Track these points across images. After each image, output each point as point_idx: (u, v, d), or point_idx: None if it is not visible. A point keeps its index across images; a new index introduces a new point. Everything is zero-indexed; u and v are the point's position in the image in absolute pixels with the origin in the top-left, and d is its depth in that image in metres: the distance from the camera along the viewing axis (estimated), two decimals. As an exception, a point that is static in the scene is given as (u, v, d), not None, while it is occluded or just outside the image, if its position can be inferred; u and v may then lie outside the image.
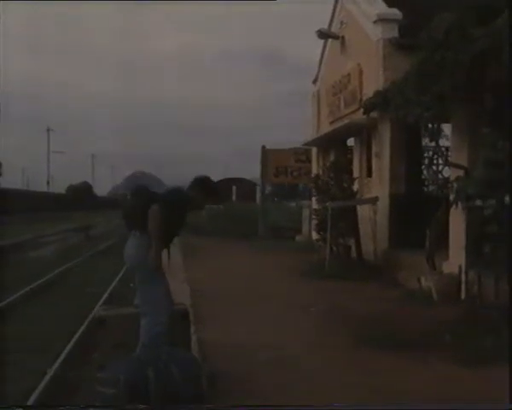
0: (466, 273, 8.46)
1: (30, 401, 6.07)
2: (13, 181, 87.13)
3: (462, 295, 8.59)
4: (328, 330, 8.11)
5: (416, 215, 12.38)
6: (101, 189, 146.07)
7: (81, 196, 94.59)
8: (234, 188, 71.31)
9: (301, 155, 25.55)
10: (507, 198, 6.69)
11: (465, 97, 9.15)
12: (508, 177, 6.93)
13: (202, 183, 6.11)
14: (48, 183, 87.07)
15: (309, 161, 23.84)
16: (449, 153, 11.12)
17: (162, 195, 5.88)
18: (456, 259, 9.41)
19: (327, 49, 19.40)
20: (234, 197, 67.40)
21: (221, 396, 5.35)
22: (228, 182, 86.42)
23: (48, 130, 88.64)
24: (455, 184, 8.14)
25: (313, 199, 16.54)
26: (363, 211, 14.34)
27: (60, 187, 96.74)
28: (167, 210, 5.52)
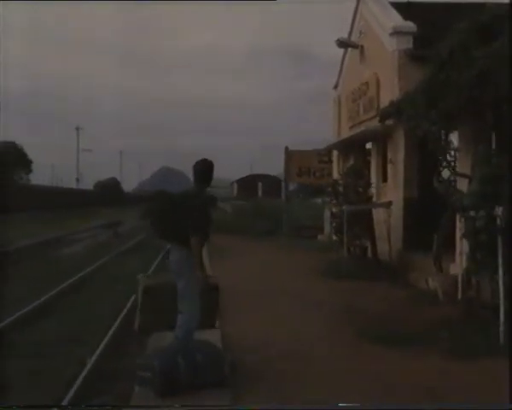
0: (462, 276, 9.22)
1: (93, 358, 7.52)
2: (42, 178, 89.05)
3: (462, 296, 9.31)
4: (337, 327, 8.93)
5: (429, 219, 13.05)
6: (129, 185, 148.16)
7: (109, 192, 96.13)
8: (260, 184, 72.14)
9: (324, 156, 26.10)
10: (497, 210, 7.43)
11: (468, 114, 9.88)
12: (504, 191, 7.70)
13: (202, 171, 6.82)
14: (77, 180, 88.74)
15: (331, 162, 24.51)
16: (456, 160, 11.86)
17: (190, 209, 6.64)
18: (460, 262, 10.14)
19: (347, 56, 20.14)
20: (260, 193, 68.25)
21: (239, 380, 6.23)
22: (254, 178, 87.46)
23: (77, 128, 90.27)
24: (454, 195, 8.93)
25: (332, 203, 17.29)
26: (378, 214, 15.11)
27: (89, 184, 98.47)
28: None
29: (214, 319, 7.34)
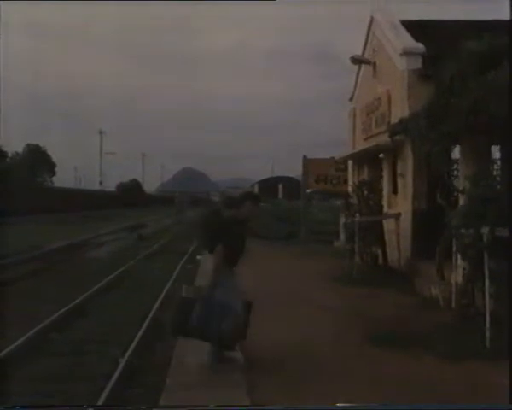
0: (456, 285, 10.17)
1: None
2: (66, 180, 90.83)
3: (458, 304, 10.21)
4: (343, 331, 9.90)
5: (436, 229, 13.91)
6: (151, 186, 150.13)
7: (131, 193, 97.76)
8: (280, 186, 72.98)
9: (341, 164, 26.97)
10: (484, 229, 8.39)
11: (466, 136, 10.84)
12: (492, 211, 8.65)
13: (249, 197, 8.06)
14: (100, 183, 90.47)
15: (347, 169, 25.40)
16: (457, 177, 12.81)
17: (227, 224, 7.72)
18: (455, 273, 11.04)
19: (361, 70, 21.04)
20: (280, 195, 69.14)
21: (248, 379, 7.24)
22: (275, 180, 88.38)
23: (100, 132, 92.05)
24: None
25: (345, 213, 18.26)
26: (389, 224, 16.05)
27: (112, 186, 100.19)
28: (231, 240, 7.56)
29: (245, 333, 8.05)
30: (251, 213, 7.99)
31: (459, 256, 9.79)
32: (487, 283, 8.39)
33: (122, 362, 8.56)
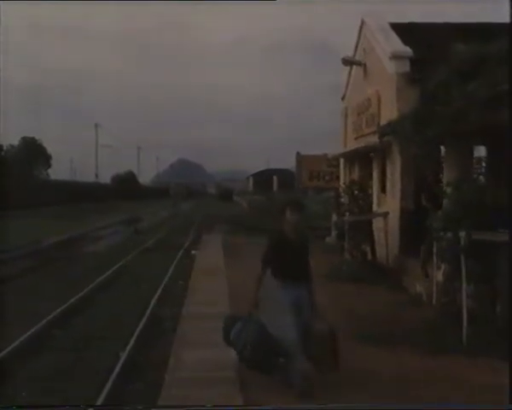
0: (437, 284, 10.75)
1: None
2: (61, 172, 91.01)
3: (439, 301, 10.77)
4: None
5: (423, 228, 14.45)
6: (147, 177, 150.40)
7: (126, 185, 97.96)
8: (275, 178, 73.44)
9: (333, 160, 27.50)
10: (461, 233, 8.95)
11: (449, 142, 11.37)
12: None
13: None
14: (96, 176, 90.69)
15: (339, 166, 25.92)
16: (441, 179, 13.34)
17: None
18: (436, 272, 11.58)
19: (353, 70, 21.51)
20: (275, 187, 69.59)
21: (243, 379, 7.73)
22: (270, 172, 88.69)
23: (96, 125, 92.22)
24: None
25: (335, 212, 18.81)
26: (377, 222, 16.61)
27: (107, 178, 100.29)
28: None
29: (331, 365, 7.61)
30: (291, 222, 7.59)
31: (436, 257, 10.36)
32: (464, 283, 8.96)
33: (122, 357, 9.03)
